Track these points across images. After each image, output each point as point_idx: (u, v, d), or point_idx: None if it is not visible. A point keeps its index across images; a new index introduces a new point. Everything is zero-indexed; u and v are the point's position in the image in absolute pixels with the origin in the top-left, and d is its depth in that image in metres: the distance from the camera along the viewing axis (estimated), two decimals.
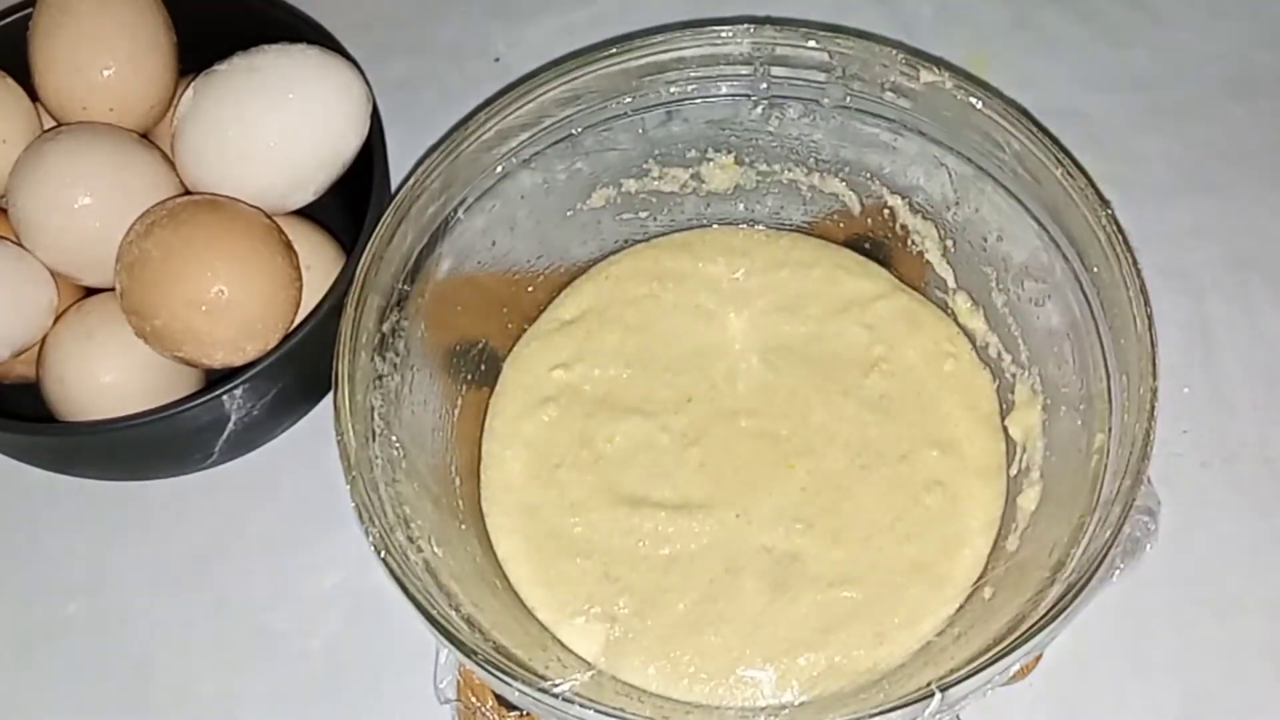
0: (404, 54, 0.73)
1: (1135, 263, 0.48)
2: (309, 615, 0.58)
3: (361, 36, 0.64)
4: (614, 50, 0.54)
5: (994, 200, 0.53)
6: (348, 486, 0.47)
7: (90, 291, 0.59)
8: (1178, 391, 0.60)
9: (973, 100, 0.51)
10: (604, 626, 0.52)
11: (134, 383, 0.56)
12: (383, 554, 0.45)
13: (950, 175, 0.54)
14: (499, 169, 0.54)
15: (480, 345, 0.57)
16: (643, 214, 0.60)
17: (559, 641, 0.51)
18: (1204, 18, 0.72)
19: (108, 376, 0.55)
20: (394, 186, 0.61)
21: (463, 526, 0.53)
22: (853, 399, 0.56)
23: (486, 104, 0.54)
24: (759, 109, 0.56)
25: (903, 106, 0.53)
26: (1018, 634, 0.43)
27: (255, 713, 0.57)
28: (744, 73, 0.55)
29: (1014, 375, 0.55)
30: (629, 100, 0.55)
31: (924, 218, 0.57)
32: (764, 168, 0.59)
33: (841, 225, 0.60)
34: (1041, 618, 0.43)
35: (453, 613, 0.45)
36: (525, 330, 0.59)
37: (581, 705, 0.43)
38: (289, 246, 0.55)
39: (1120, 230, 0.49)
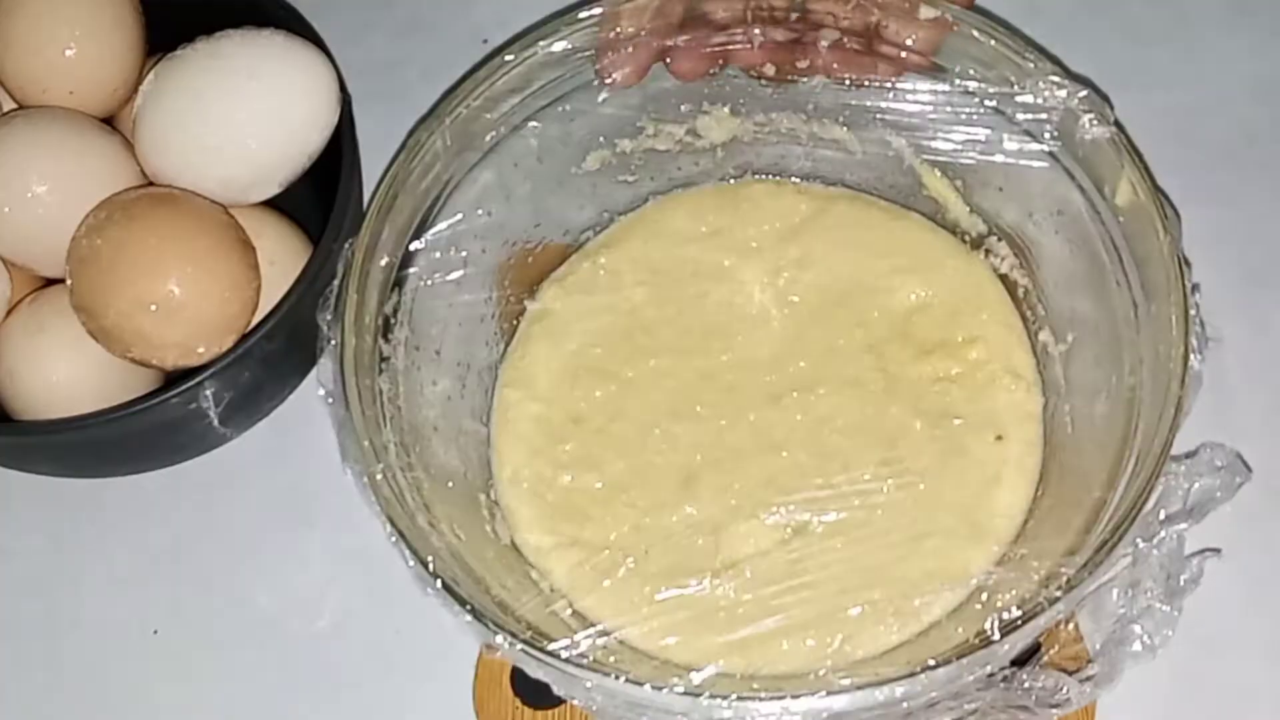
0: (389, 33, 0.71)
1: (1154, 182, 0.47)
2: (269, 618, 0.57)
3: (349, 13, 0.63)
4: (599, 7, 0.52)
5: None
6: (364, 477, 0.45)
7: (50, 282, 0.57)
8: None
9: (974, 32, 0.50)
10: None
11: (87, 380, 0.54)
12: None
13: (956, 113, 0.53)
14: (490, 136, 0.53)
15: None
16: (639, 174, 0.58)
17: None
18: (1229, 14, 0.69)
19: (58, 373, 0.54)
20: (384, 165, 0.58)
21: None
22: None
23: (472, 72, 0.52)
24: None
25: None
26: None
27: (212, 717, 0.55)
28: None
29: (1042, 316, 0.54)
30: None
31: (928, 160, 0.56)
32: (760, 118, 0.57)
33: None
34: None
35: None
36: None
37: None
38: (247, 244, 0.54)
39: (1132, 146, 0.48)
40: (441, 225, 0.52)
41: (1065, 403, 0.53)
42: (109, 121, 0.58)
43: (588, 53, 0.52)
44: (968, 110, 0.53)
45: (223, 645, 0.56)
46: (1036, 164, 0.52)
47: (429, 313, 0.52)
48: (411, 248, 0.51)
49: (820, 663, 0.48)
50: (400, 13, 0.72)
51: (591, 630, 0.45)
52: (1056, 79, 0.50)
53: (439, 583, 0.43)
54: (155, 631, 0.57)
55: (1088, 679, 0.45)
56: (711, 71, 0.54)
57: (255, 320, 0.54)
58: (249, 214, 0.56)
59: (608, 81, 0.52)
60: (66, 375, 0.54)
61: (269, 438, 0.60)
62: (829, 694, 0.42)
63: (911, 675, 0.41)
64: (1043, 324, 0.55)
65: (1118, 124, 0.49)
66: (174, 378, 0.54)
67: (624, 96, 0.55)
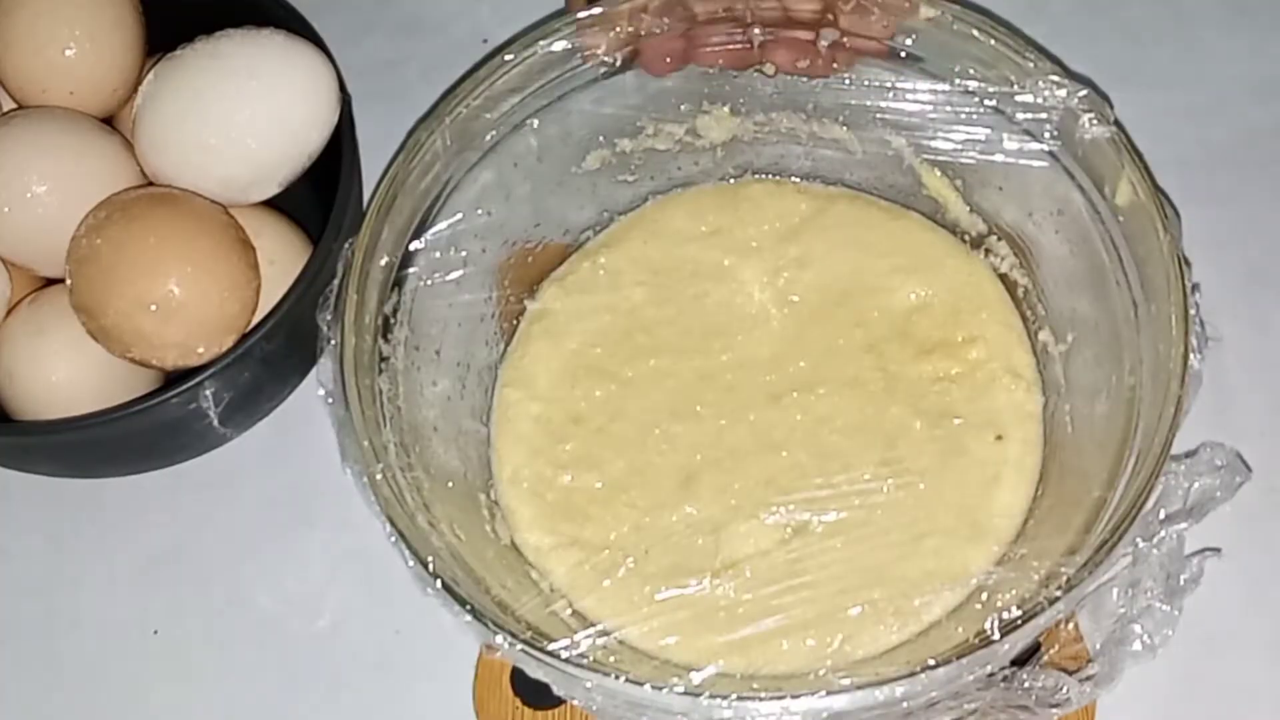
0: (389, 33, 0.71)
1: (1154, 182, 0.47)
2: (269, 618, 0.57)
3: (349, 13, 0.62)
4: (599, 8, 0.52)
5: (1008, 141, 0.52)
6: (364, 477, 0.45)
7: (50, 282, 0.57)
8: None
9: (974, 32, 0.50)
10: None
11: (87, 381, 0.54)
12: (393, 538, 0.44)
13: (956, 112, 0.53)
14: (489, 136, 0.52)
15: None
16: (639, 174, 0.58)
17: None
18: (1229, 14, 0.69)
19: (58, 374, 0.54)
20: (383, 165, 0.58)
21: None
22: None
23: (472, 71, 0.52)
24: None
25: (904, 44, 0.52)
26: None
27: (212, 717, 0.55)
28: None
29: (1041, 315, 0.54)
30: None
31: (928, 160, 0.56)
32: (760, 117, 0.57)
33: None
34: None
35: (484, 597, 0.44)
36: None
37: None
38: (246, 244, 0.53)
39: (1132, 146, 0.48)
40: (441, 225, 0.52)
41: (1065, 402, 0.53)
42: (109, 121, 0.58)
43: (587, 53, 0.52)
44: (968, 110, 0.53)
45: (223, 645, 0.56)
46: (1036, 163, 0.52)
47: (429, 312, 0.52)
48: (411, 247, 0.51)
49: (820, 662, 0.48)
50: (400, 13, 0.72)
51: (591, 630, 0.45)
52: (1056, 78, 0.50)
53: (439, 583, 0.43)
54: (155, 631, 0.57)
55: (1088, 679, 0.45)
56: (679, 67, 0.54)
57: (255, 320, 0.54)
58: (249, 214, 0.56)
59: (588, 55, 0.52)
60: (66, 375, 0.54)
61: (269, 438, 0.59)
62: (829, 694, 0.42)
63: (911, 675, 0.41)
64: (1043, 324, 0.54)
65: (1118, 124, 0.49)
66: (174, 378, 0.54)
67: (624, 96, 0.55)
